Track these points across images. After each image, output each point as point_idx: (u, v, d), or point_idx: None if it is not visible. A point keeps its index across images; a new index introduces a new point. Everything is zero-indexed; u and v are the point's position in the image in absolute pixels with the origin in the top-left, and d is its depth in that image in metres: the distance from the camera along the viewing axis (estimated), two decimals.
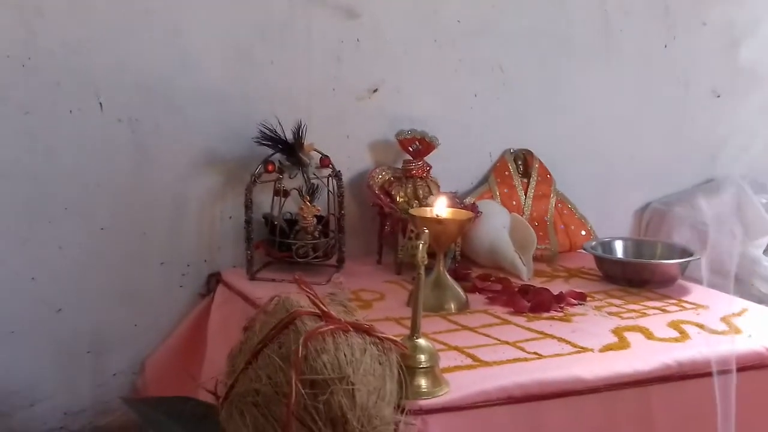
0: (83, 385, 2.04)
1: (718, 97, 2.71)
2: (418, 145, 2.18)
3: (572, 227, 2.39)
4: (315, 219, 2.03)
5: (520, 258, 2.12)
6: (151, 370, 2.06)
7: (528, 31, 2.41)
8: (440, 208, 1.83)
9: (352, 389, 1.16)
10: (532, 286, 1.98)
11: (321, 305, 1.28)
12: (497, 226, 2.18)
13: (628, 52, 2.56)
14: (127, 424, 2.00)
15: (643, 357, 1.59)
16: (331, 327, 1.23)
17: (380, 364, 1.24)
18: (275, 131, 2.00)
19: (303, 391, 1.15)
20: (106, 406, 2.06)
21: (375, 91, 2.25)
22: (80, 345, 2.03)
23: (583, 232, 2.39)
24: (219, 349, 1.86)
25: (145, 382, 2.06)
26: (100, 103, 1.96)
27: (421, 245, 1.39)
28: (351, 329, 1.26)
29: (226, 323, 1.95)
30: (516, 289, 1.95)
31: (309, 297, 1.30)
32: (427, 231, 1.50)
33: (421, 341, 1.39)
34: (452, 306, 1.82)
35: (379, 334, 1.29)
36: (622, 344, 1.65)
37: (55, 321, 1.99)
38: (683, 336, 1.71)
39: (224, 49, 2.07)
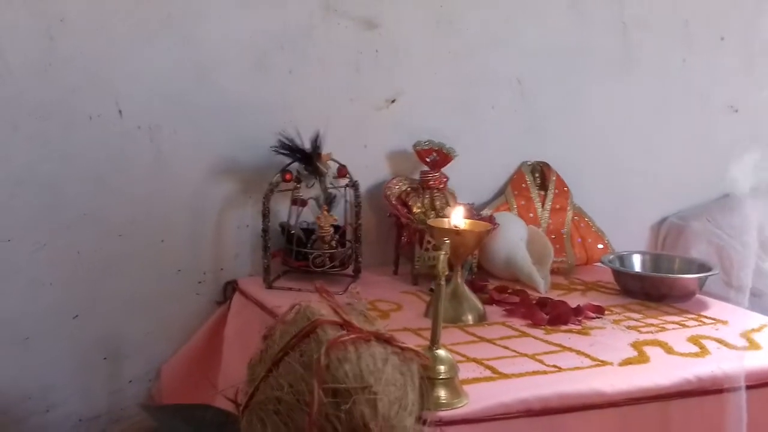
0: (99, 392, 2.04)
1: (736, 111, 2.70)
2: (436, 156, 2.18)
3: (589, 240, 2.38)
4: (332, 228, 2.03)
5: (537, 271, 2.11)
6: (166, 377, 2.06)
7: (546, 44, 2.41)
8: (458, 219, 1.83)
9: (375, 399, 1.15)
10: (549, 298, 1.98)
11: (343, 314, 1.28)
12: (514, 238, 2.17)
13: (646, 65, 2.55)
14: (141, 431, 2.00)
15: (662, 371, 1.58)
16: (353, 336, 1.23)
17: (402, 374, 1.23)
18: (293, 140, 2.01)
19: (325, 399, 1.15)
20: (122, 413, 2.06)
21: (393, 101, 2.25)
22: (96, 351, 2.03)
23: (600, 246, 2.38)
24: (235, 357, 1.86)
25: (160, 389, 2.06)
26: (120, 111, 1.97)
27: (441, 256, 1.38)
28: (372, 339, 1.25)
29: (242, 331, 1.94)
30: (534, 302, 1.95)
31: (330, 306, 1.29)
32: (447, 241, 1.49)
33: (441, 352, 1.39)
34: (470, 317, 1.82)
35: (401, 344, 1.29)
36: (642, 358, 1.65)
37: (72, 327, 1.99)
38: (703, 351, 1.70)
39: (243, 58, 2.08)
